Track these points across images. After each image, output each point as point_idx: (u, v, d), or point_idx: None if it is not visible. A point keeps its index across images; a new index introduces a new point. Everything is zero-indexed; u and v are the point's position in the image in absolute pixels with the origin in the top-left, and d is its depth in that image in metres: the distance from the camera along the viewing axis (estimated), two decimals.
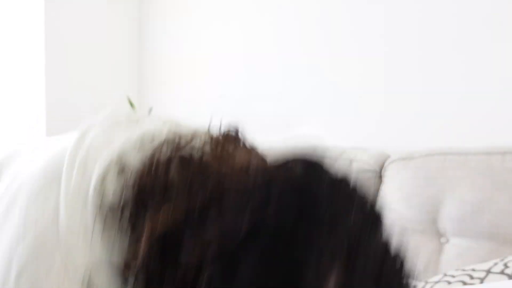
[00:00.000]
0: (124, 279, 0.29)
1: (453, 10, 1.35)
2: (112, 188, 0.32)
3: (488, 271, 0.57)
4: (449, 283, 0.59)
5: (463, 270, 0.61)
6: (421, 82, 1.43)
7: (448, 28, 1.36)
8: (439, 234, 1.11)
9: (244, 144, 0.38)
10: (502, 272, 0.55)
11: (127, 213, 0.30)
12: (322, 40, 1.71)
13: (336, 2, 1.67)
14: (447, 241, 1.09)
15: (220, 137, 0.38)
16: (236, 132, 0.39)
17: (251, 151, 0.38)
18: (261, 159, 0.36)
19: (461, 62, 1.33)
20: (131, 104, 2.32)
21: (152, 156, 0.33)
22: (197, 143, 0.36)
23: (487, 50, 1.28)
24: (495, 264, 0.59)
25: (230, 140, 0.38)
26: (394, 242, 0.35)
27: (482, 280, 0.55)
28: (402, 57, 1.47)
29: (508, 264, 0.57)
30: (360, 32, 1.59)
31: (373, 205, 0.36)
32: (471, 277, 0.56)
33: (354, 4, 1.61)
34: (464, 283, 0.56)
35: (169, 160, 0.32)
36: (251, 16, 1.99)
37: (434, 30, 1.39)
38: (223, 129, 0.41)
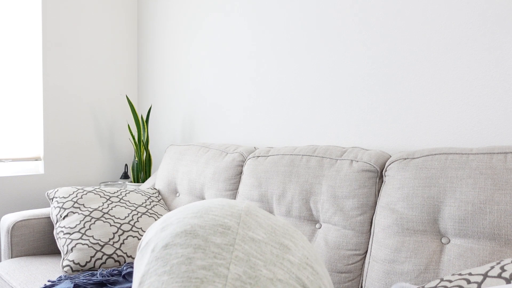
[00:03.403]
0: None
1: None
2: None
3: (485, 275, 0.56)
4: None
5: (460, 274, 0.60)
6: (421, 82, 1.42)
7: (453, 29, 1.35)
8: (440, 235, 1.10)
9: None
10: (499, 276, 0.54)
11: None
12: (319, 39, 1.71)
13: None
14: (449, 241, 1.08)
15: None
16: None
17: None
18: None
19: (461, 61, 1.33)
20: (130, 103, 2.33)
21: None
22: None
23: (489, 50, 1.27)
24: (492, 267, 0.58)
25: None
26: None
27: (479, 285, 0.54)
28: (401, 57, 1.46)
29: (505, 268, 0.56)
30: (360, 31, 1.58)
31: None
32: (468, 282, 0.55)
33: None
34: None
35: None
36: (237, 23, 1.99)
37: (435, 32, 1.38)
38: None
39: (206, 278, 0.48)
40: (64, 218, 1.63)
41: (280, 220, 0.62)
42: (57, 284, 1.33)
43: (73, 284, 1.28)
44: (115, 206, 1.70)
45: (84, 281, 1.31)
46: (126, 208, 1.72)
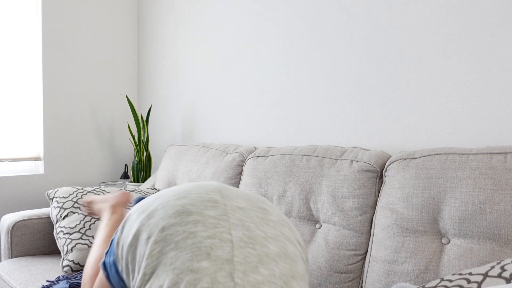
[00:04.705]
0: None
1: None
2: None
3: (486, 275, 0.56)
4: None
5: (460, 274, 0.60)
6: (421, 82, 1.42)
7: (451, 32, 1.35)
8: (440, 235, 1.10)
9: None
10: (499, 276, 0.54)
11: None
12: (319, 39, 1.71)
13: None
14: (448, 241, 1.08)
15: None
16: None
17: None
18: None
19: (461, 61, 1.33)
20: (130, 103, 2.33)
21: None
22: None
23: (489, 50, 1.27)
24: (492, 267, 0.58)
25: None
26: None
27: (479, 284, 0.54)
28: (400, 57, 1.46)
29: (506, 267, 0.56)
30: (361, 30, 1.58)
31: None
32: (469, 281, 0.55)
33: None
34: None
35: None
36: (237, 24, 1.99)
37: (430, 33, 1.38)
38: None
39: (214, 245, 0.54)
40: (64, 218, 1.63)
41: (247, 191, 0.72)
42: (55, 284, 1.33)
43: (68, 284, 1.28)
44: None
45: (80, 281, 1.31)
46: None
